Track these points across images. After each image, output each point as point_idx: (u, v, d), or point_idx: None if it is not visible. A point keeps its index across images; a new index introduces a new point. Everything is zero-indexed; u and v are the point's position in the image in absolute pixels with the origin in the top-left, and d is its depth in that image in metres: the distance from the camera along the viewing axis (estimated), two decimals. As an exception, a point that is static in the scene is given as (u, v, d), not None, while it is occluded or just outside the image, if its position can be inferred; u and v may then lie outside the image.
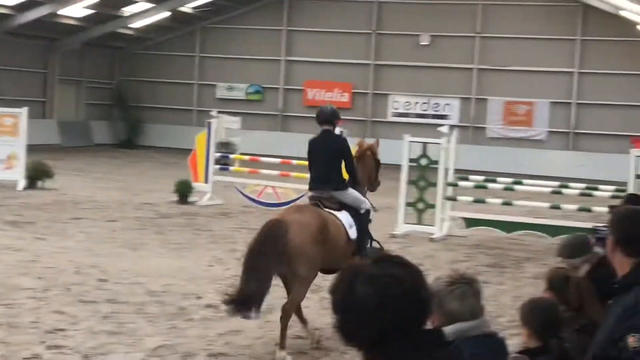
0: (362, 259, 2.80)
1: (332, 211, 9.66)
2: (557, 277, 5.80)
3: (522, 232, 17.44)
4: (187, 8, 38.64)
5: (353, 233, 9.62)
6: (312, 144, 10.33)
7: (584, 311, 5.49)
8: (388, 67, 38.38)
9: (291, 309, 9.08)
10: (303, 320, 9.51)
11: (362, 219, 9.87)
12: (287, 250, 8.82)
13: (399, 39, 38.11)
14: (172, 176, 24.08)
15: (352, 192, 9.99)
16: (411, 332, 2.73)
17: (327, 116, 10.18)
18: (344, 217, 9.67)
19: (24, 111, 22.39)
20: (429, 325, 2.81)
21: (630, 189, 15.46)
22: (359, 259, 2.84)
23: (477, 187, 19.11)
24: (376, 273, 2.73)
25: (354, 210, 9.83)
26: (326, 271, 9.34)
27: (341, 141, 10.25)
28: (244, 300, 8.61)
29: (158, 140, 40.28)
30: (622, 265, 4.35)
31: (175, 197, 20.88)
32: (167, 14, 38.04)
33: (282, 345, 8.84)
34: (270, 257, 8.77)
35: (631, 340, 3.99)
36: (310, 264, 9.03)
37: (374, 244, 10.14)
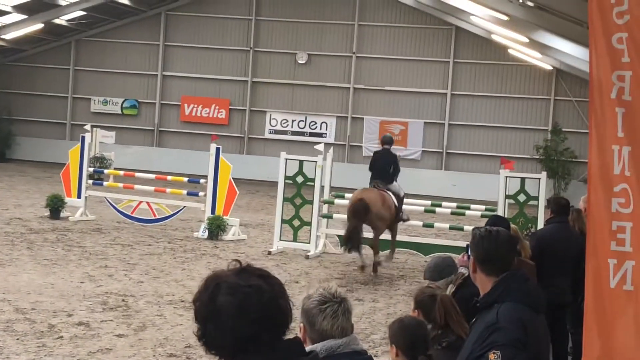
0: (400, 217, 2.84)
1: (384, 191, 16.00)
2: (424, 296, 5.95)
3: (396, 250, 17.73)
4: (61, 20, 37.86)
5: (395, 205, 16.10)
6: (377, 154, 16.94)
7: (450, 328, 5.63)
8: (265, 84, 38.51)
9: (376, 243, 15.83)
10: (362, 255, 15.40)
11: (400, 199, 16.48)
12: (370, 215, 15.27)
13: (277, 56, 38.31)
14: (44, 191, 23.53)
15: (395, 184, 16.54)
16: (271, 341, 2.79)
17: (388, 140, 17.09)
18: (390, 195, 16.09)
19: None
20: (289, 336, 2.87)
21: (500, 209, 15.94)
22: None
23: (352, 204, 19.32)
24: (237, 283, 2.80)
25: (395, 194, 16.29)
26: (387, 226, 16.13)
27: (394, 156, 16.87)
28: (349, 240, 14.97)
29: (31, 154, 39.27)
30: (483, 284, 4.51)
31: (46, 212, 20.39)
32: (40, 25, 37.18)
33: (375, 251, 15.86)
34: (361, 218, 15.10)
35: (491, 357, 4.13)
36: (382, 221, 15.74)
37: (404, 216, 16.69)
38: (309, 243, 17.68)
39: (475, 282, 4.60)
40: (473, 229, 4.66)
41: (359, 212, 15.02)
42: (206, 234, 18.78)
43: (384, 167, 16.41)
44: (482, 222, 14.71)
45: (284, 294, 2.86)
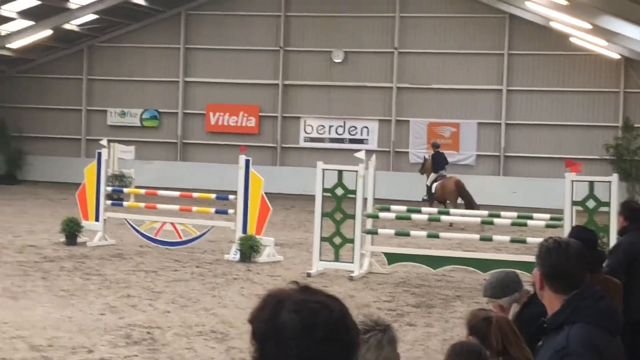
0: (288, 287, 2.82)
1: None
2: (478, 319, 5.85)
3: (451, 267, 17.63)
4: (71, 25, 38.26)
5: None
6: (436, 154, 29.37)
7: (509, 354, 5.55)
8: (298, 87, 38.60)
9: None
10: None
11: None
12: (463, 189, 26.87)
13: (310, 56, 38.39)
14: (59, 214, 23.72)
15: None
16: None
17: (437, 144, 30.14)
18: None
19: None
20: None
21: (567, 217, 15.78)
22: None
23: (399, 218, 19.30)
24: (303, 299, 2.75)
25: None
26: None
27: (445, 157, 29.72)
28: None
29: (43, 174, 39.69)
30: (551, 302, 4.43)
31: (62, 238, 20.55)
32: (49, 32, 37.59)
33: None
34: (461, 193, 27.18)
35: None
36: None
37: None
38: (353, 262, 17.63)
39: (543, 301, 4.53)
40: (541, 241, 4.58)
41: (462, 188, 27.17)
42: (238, 256, 18.81)
43: (442, 163, 29.09)
44: (546, 233, 14.58)
45: (351, 314, 2.82)
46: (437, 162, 29.03)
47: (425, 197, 29.01)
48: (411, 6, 37.48)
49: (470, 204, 26.87)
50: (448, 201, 27.78)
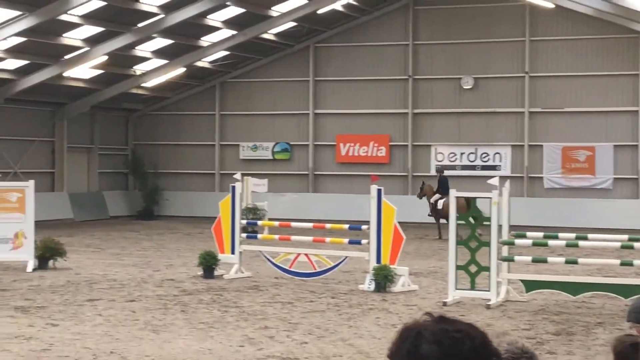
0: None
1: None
2: (624, 346, 5.69)
3: (591, 293, 17.26)
4: (203, 62, 39.18)
5: None
6: (442, 178, 31.53)
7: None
8: (428, 115, 38.54)
9: None
10: None
11: None
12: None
13: (439, 83, 38.31)
14: (195, 248, 24.24)
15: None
16: None
17: (441, 169, 32.78)
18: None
19: (30, 184, 22.67)
20: None
21: None
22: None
23: (536, 244, 19.01)
24: (442, 328, 2.70)
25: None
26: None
27: (447, 180, 31.04)
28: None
29: (179, 209, 40.60)
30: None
31: (199, 271, 20.95)
32: (182, 70, 38.58)
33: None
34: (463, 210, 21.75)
35: None
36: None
37: None
38: (489, 291, 17.43)
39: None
40: None
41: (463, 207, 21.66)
42: (373, 286, 18.81)
43: (447, 187, 28.64)
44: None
45: (491, 341, 2.78)
46: (442, 185, 31.02)
47: (430, 214, 31.72)
48: (541, 29, 37.05)
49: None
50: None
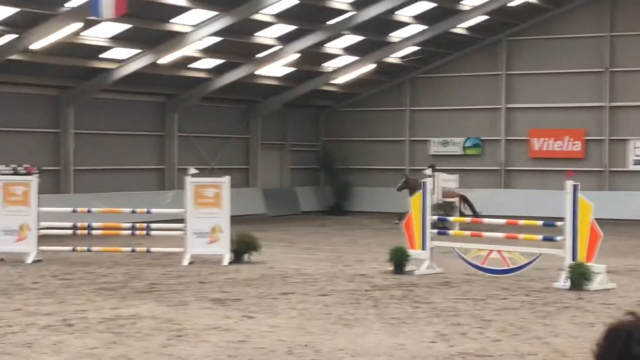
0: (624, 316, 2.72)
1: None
2: None
3: None
4: (393, 58, 39.28)
5: None
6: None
7: None
8: (626, 108, 37.35)
9: None
10: None
11: None
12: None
13: (638, 75, 37.04)
14: (385, 244, 24.34)
15: None
16: None
17: (432, 161, 34.72)
18: None
19: (226, 180, 23.32)
20: None
21: None
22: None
23: None
24: None
25: None
26: None
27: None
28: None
29: (368, 205, 40.88)
30: None
31: (390, 267, 21.04)
32: (372, 66, 38.80)
33: None
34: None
35: None
36: None
37: None
38: (692, 290, 16.76)
39: None
40: None
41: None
42: (568, 284, 18.41)
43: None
44: None
45: None
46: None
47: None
48: None
49: (472, 208, 33.17)
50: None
